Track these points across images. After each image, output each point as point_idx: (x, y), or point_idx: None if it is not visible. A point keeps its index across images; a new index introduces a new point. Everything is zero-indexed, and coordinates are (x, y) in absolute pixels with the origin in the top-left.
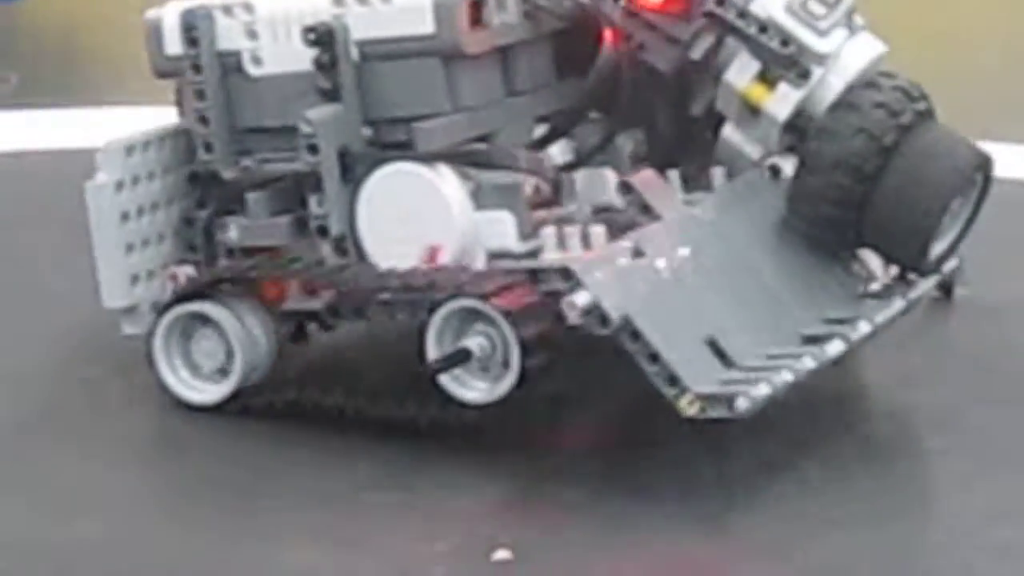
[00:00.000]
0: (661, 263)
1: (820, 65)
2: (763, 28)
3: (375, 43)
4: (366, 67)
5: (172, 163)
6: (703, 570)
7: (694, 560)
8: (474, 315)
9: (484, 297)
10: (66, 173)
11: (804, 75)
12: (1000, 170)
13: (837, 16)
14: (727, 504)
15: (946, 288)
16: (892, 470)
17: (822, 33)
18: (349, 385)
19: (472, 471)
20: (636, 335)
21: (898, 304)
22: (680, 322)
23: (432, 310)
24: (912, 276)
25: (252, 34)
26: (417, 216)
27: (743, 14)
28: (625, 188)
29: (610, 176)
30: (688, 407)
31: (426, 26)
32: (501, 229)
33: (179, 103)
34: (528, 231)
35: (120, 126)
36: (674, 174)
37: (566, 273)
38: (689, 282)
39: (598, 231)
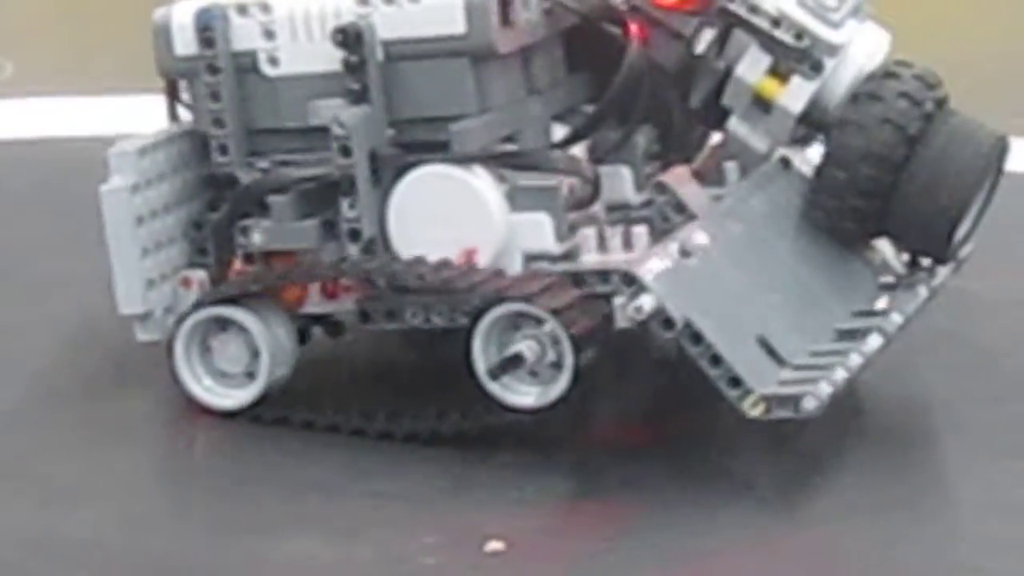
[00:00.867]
0: (708, 263)
1: (832, 57)
2: (776, 22)
3: (402, 43)
4: (390, 67)
5: (179, 165)
6: (697, 561)
7: (689, 549)
8: (520, 319)
9: (529, 299)
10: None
11: (817, 67)
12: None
13: (848, 7)
14: (722, 496)
15: None
16: (890, 463)
17: (835, 25)
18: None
19: (464, 462)
20: (698, 337)
21: (923, 293)
22: (734, 322)
23: (479, 314)
24: (932, 264)
25: (269, 34)
26: (453, 219)
27: (755, 8)
28: (660, 188)
29: (626, 173)
30: (752, 408)
31: (457, 26)
32: (539, 231)
33: (173, 101)
34: (565, 232)
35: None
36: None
37: (629, 277)
38: (735, 281)
39: (640, 232)
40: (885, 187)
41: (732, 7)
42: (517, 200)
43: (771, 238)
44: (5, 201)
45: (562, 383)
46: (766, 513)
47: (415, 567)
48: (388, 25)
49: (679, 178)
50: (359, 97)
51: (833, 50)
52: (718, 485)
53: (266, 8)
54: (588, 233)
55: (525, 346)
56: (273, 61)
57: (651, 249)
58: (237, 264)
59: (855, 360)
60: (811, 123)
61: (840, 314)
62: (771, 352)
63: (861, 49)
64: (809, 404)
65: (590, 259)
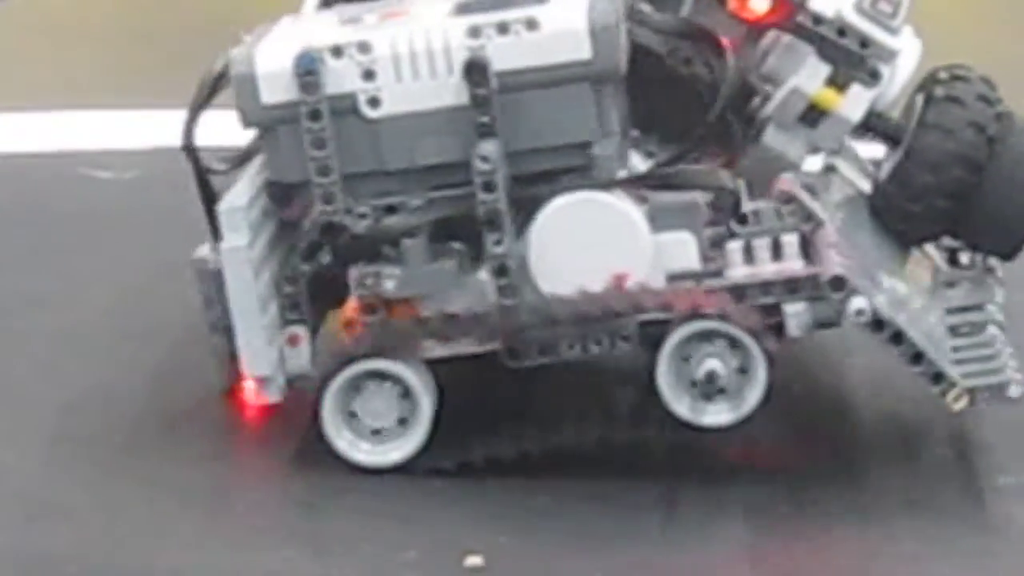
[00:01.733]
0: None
1: (889, 64)
2: (841, 31)
3: (518, 73)
4: (505, 98)
5: (264, 218)
6: (680, 574)
7: (667, 566)
8: (702, 337)
9: (726, 317)
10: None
11: (875, 75)
12: None
13: (904, 13)
14: (704, 511)
15: None
16: (884, 466)
17: (894, 31)
18: None
19: (444, 477)
20: (899, 337)
21: (996, 287)
22: (916, 320)
23: (661, 335)
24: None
25: (369, 75)
26: (601, 245)
27: (819, 19)
28: (786, 198)
29: None
30: (956, 402)
31: (582, 52)
32: (683, 250)
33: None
34: (706, 249)
35: None
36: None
37: (838, 282)
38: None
39: (790, 240)
40: (970, 188)
41: (802, 19)
42: (658, 220)
43: (868, 243)
44: None
45: (754, 397)
46: (753, 532)
47: None
48: (504, 56)
49: (793, 186)
50: (488, 131)
51: (892, 57)
52: (700, 499)
53: (365, 48)
54: (734, 247)
55: (714, 365)
56: (374, 102)
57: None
58: (349, 313)
59: (1007, 348)
60: (868, 129)
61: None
62: (938, 347)
63: (908, 56)
64: (1016, 392)
65: (740, 272)
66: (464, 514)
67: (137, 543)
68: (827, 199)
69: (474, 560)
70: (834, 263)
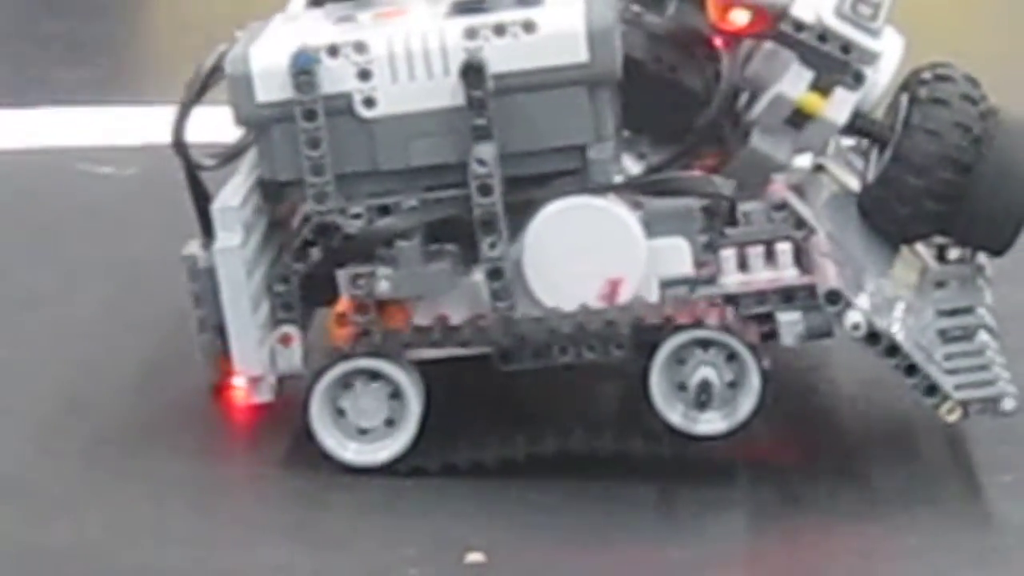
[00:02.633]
0: (863, 275)
1: (871, 66)
2: (822, 37)
3: (514, 75)
4: (500, 100)
5: (256, 217)
6: (675, 573)
7: (667, 563)
8: (693, 346)
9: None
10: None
11: (859, 78)
12: None
13: (884, 14)
14: (704, 509)
15: None
16: (884, 464)
17: (875, 34)
18: None
19: (442, 472)
20: (894, 349)
21: (985, 287)
22: (908, 331)
23: (655, 345)
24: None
25: (365, 75)
26: (596, 250)
27: (800, 26)
28: (779, 206)
29: None
30: (950, 414)
31: (579, 55)
32: (678, 256)
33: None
34: (701, 255)
35: None
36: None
37: (834, 295)
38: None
39: (784, 248)
40: (959, 189)
41: (785, 27)
42: (653, 226)
43: (857, 247)
44: None
45: (748, 405)
46: (752, 530)
47: None
48: (501, 58)
49: (784, 193)
50: (484, 133)
51: (875, 59)
52: (699, 497)
53: (361, 48)
54: (727, 254)
55: (706, 374)
56: (369, 102)
57: (819, 266)
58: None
59: (999, 357)
60: (853, 130)
61: (928, 314)
62: (930, 358)
63: (890, 56)
64: (1008, 405)
65: (734, 280)
66: (464, 511)
67: (132, 539)
68: (817, 201)
69: (475, 556)
70: (830, 276)
